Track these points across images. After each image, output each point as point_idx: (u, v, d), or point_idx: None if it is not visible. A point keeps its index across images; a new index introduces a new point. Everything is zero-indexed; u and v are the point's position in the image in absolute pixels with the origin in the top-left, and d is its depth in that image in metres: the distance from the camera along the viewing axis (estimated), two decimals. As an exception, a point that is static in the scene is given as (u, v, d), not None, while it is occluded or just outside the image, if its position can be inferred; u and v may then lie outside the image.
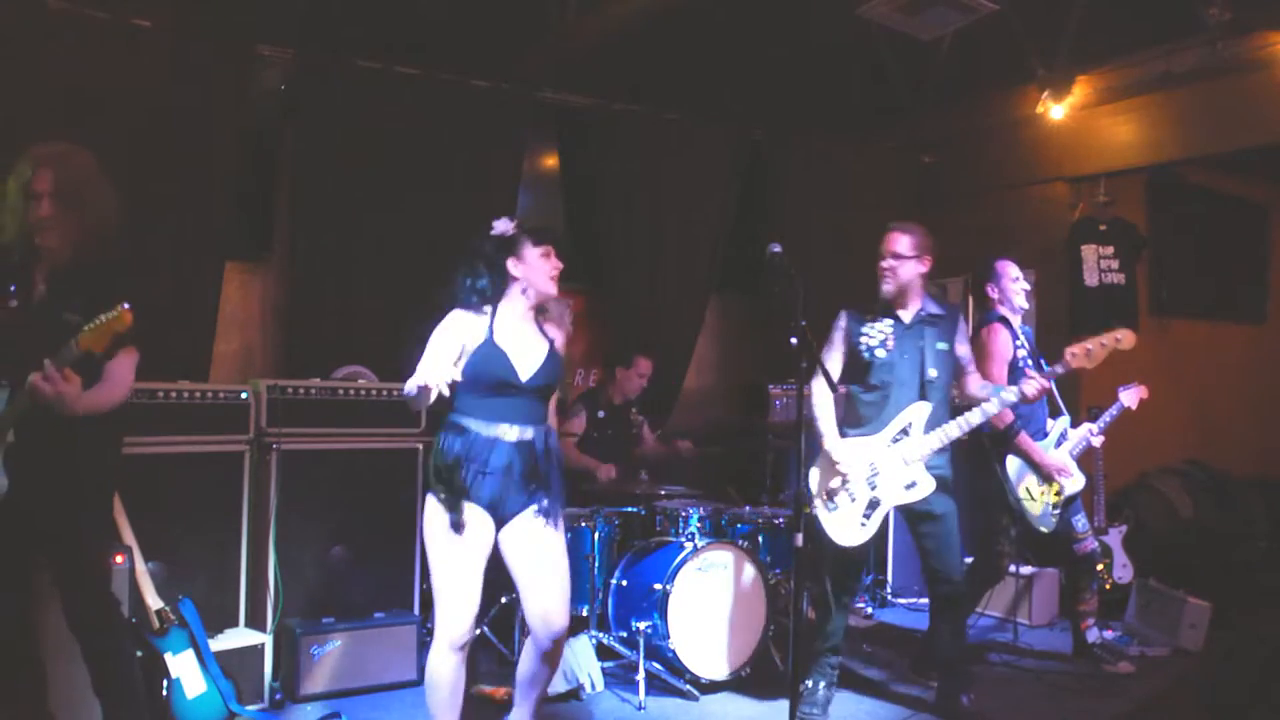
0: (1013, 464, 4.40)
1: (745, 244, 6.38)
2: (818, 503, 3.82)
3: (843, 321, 3.92)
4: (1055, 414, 4.61)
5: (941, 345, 3.87)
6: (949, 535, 3.85)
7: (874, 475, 3.80)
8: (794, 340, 3.24)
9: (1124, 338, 3.84)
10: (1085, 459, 4.65)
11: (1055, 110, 5.79)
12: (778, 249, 3.27)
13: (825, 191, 6.58)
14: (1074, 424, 4.64)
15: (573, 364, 6.24)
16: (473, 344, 3.07)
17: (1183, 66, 5.38)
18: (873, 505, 3.79)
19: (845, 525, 3.80)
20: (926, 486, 3.77)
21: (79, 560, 2.96)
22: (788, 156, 6.55)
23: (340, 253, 5.09)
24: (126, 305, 2.57)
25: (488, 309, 3.14)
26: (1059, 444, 4.51)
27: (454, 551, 3.02)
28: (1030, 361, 4.49)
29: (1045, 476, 4.40)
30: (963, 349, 3.98)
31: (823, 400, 3.81)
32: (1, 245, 2.91)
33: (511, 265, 3.15)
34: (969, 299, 6.29)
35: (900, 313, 3.87)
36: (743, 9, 5.12)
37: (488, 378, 3.05)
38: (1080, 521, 4.61)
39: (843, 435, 3.87)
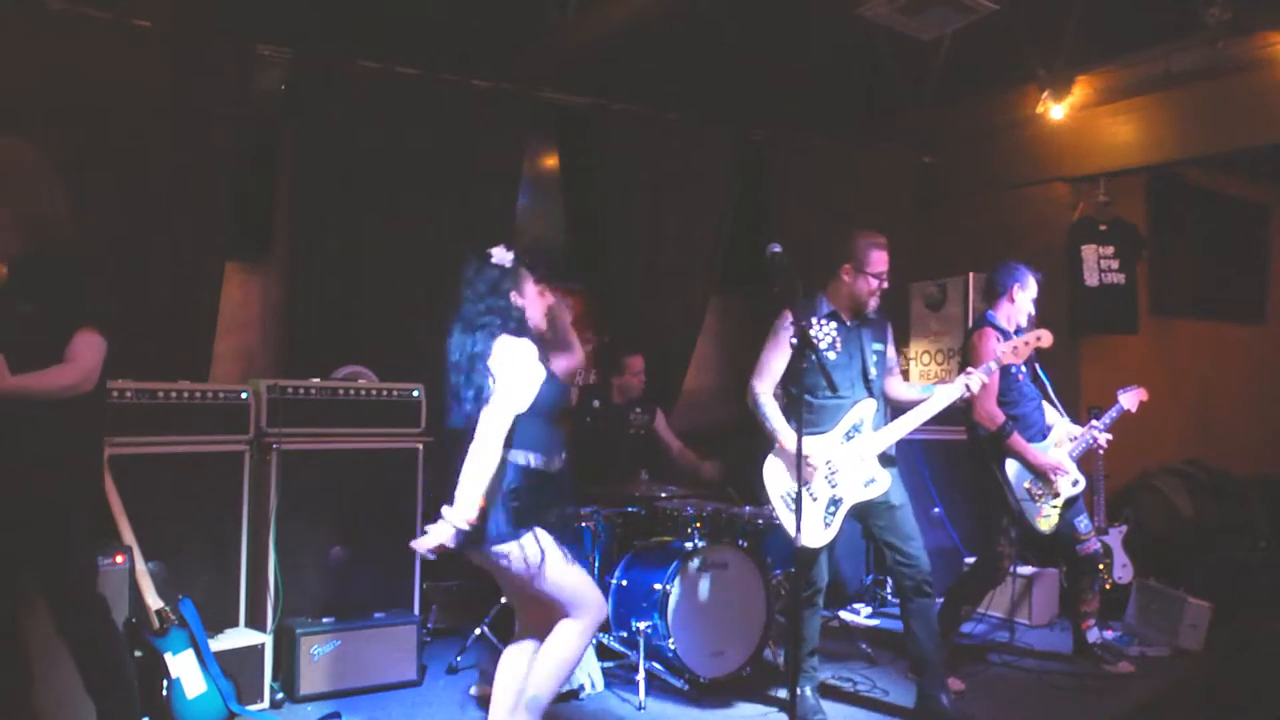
0: (1012, 466, 4.39)
1: (745, 244, 6.38)
2: (779, 504, 3.78)
3: (789, 323, 3.79)
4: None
5: (877, 346, 3.94)
6: (908, 522, 3.88)
7: (833, 474, 3.79)
8: (794, 340, 3.25)
9: (1043, 336, 4.00)
10: (1085, 459, 4.64)
11: (1055, 110, 5.79)
12: (778, 249, 3.27)
13: (825, 191, 6.57)
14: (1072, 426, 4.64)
15: (572, 364, 6.22)
16: (538, 373, 3.06)
17: (1183, 66, 5.38)
18: (834, 503, 3.78)
19: (810, 526, 3.75)
20: (884, 482, 3.80)
21: (61, 565, 2.91)
22: (788, 156, 6.55)
23: (340, 253, 5.09)
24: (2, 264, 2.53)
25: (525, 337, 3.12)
26: (1058, 445, 4.51)
27: (557, 556, 3.06)
28: (1025, 369, 4.47)
29: (1041, 477, 4.39)
30: (891, 352, 4.03)
31: (767, 400, 3.83)
32: None
33: (514, 297, 3.12)
34: (968, 298, 6.29)
35: (843, 316, 3.91)
36: (742, 9, 5.12)
37: (554, 407, 3.10)
38: (1083, 522, 4.60)
39: None
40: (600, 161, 6.02)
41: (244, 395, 4.09)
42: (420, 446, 4.37)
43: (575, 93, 5.83)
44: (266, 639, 3.95)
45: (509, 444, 2.99)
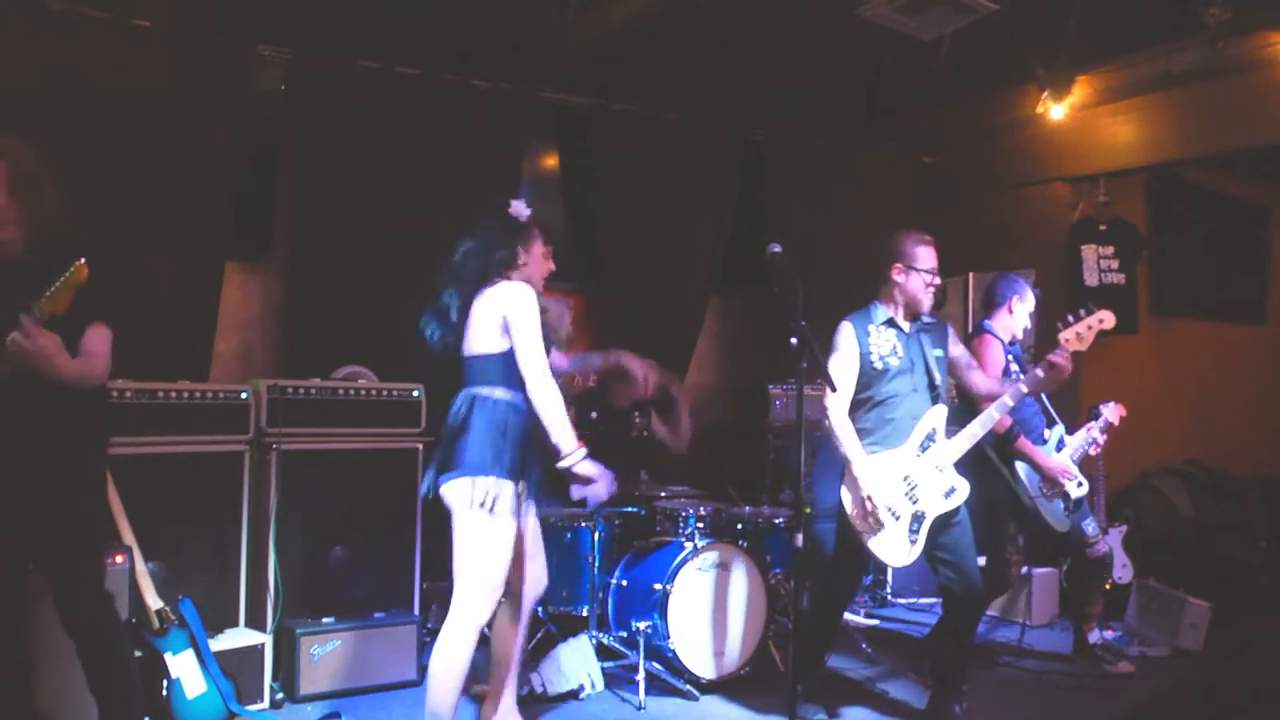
0: (1023, 467, 4.38)
1: (745, 244, 6.38)
2: (862, 529, 3.65)
3: (849, 330, 3.79)
4: (1050, 423, 4.60)
5: (938, 352, 3.87)
6: (965, 540, 3.76)
7: (912, 489, 3.69)
8: (794, 340, 3.24)
9: (1106, 318, 3.87)
10: (1086, 461, 4.64)
11: (1055, 110, 5.79)
12: (778, 249, 3.27)
13: (825, 191, 6.57)
14: (1070, 430, 4.62)
15: (572, 365, 6.23)
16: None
17: (1183, 66, 5.38)
18: (918, 519, 3.67)
19: (895, 546, 3.65)
20: (964, 490, 3.72)
21: (72, 560, 2.94)
22: (788, 156, 6.55)
23: (340, 253, 5.10)
24: (83, 260, 2.57)
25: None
26: (1058, 449, 4.50)
27: (509, 532, 3.11)
28: (1022, 375, 4.47)
29: (1049, 479, 4.38)
30: (957, 349, 3.96)
31: (841, 419, 3.69)
32: None
33: (520, 252, 3.28)
34: (968, 298, 6.29)
35: (900, 323, 3.84)
36: (743, 9, 5.12)
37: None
38: (1090, 526, 4.57)
39: None
40: (600, 161, 6.02)
41: (244, 395, 4.09)
42: (420, 446, 4.36)
43: (575, 93, 5.84)
44: (266, 639, 3.95)
45: (503, 382, 3.13)
